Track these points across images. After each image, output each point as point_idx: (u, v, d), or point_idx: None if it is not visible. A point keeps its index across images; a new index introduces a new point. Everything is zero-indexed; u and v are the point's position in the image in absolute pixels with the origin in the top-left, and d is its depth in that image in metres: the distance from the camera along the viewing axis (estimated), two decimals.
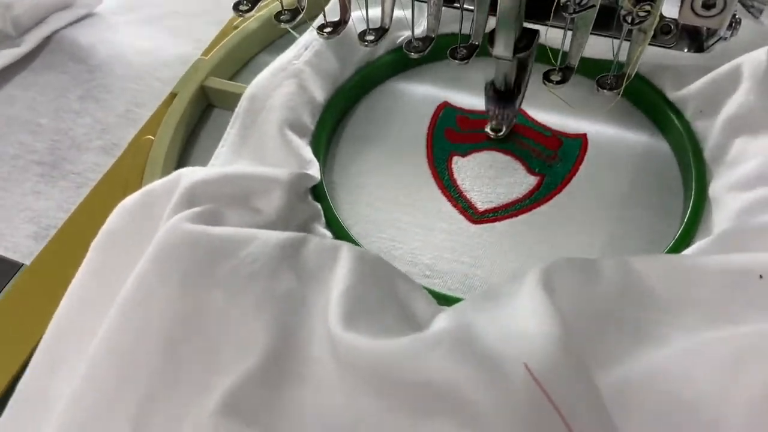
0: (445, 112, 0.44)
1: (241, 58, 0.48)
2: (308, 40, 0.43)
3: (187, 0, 0.56)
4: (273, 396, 0.26)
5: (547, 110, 0.43)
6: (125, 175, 0.40)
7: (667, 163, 0.40)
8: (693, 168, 0.38)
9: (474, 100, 0.45)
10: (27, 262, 0.38)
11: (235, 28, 0.49)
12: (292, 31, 0.41)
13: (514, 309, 0.27)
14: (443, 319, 0.27)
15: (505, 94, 0.39)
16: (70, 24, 0.52)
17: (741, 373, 0.24)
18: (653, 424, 0.25)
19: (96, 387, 0.26)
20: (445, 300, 0.32)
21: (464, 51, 0.34)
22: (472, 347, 0.24)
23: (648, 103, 0.42)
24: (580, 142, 0.42)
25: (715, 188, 0.36)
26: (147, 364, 0.26)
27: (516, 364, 0.23)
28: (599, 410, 0.23)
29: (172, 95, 0.44)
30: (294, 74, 0.41)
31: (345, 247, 0.31)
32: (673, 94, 0.41)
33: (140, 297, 0.27)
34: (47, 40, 0.51)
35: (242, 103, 0.41)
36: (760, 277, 0.27)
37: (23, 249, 0.39)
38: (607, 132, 0.42)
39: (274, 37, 0.50)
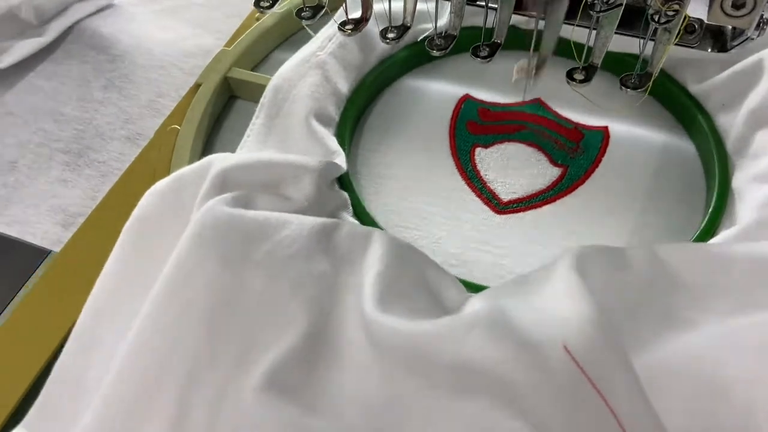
0: (467, 105, 0.44)
1: (264, 49, 0.48)
2: (332, 32, 0.44)
3: None
4: (312, 375, 0.26)
5: (569, 103, 0.43)
6: (152, 164, 0.40)
7: (689, 156, 0.41)
8: (716, 160, 0.38)
9: (495, 93, 0.45)
10: (56, 249, 0.38)
11: (257, 19, 0.49)
12: (307, 28, 0.42)
13: (547, 292, 0.27)
14: (477, 302, 0.28)
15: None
16: (92, 14, 0.52)
17: None
18: (686, 407, 0.25)
19: (140, 365, 0.26)
20: (472, 288, 0.33)
21: (487, 49, 0.34)
22: (508, 328, 0.25)
23: (670, 96, 0.42)
24: (602, 134, 0.42)
25: (738, 180, 0.37)
26: (190, 342, 0.26)
27: (554, 344, 0.23)
28: (638, 391, 0.23)
29: (197, 86, 0.44)
30: (318, 65, 0.42)
31: (376, 233, 0.31)
32: (695, 88, 0.41)
33: (182, 277, 0.27)
34: (69, 30, 0.51)
35: (267, 94, 0.41)
36: None
37: (51, 236, 0.39)
38: (628, 125, 0.42)
39: (295, 29, 0.50)
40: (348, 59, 0.43)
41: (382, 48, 0.45)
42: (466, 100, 0.45)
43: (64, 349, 0.31)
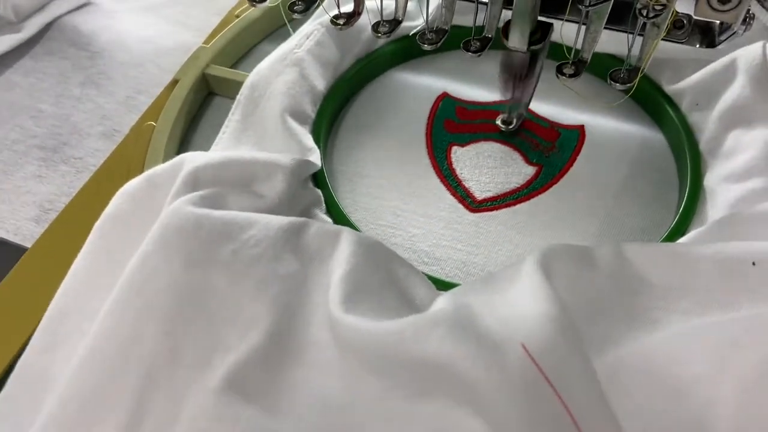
0: (445, 103, 0.45)
1: (242, 46, 0.48)
2: (309, 29, 0.44)
3: None
4: (273, 375, 0.26)
5: (545, 102, 0.43)
6: (127, 161, 0.40)
7: (663, 155, 0.41)
8: (688, 159, 0.38)
9: (473, 92, 0.45)
10: (28, 244, 0.38)
11: (237, 17, 0.49)
12: (289, 25, 0.42)
13: (512, 291, 0.27)
14: (442, 301, 0.28)
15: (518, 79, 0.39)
16: (71, 11, 0.52)
17: (734, 355, 0.25)
18: (647, 405, 0.25)
19: (99, 363, 0.26)
20: (443, 286, 0.33)
21: (478, 44, 0.34)
22: (470, 328, 0.25)
23: (645, 95, 0.43)
24: (577, 133, 0.42)
25: (709, 179, 0.37)
26: (150, 341, 0.26)
27: (514, 343, 0.23)
28: (595, 389, 0.23)
29: (174, 82, 0.44)
30: (295, 63, 0.42)
31: (345, 231, 0.31)
32: (669, 87, 0.42)
33: (144, 276, 0.27)
34: (48, 27, 0.51)
35: (243, 91, 0.41)
36: (753, 264, 0.28)
37: (25, 232, 0.39)
38: (604, 123, 0.42)
39: (275, 27, 0.50)
40: (325, 57, 0.43)
41: (359, 46, 0.45)
42: (444, 98, 0.45)
43: (29, 346, 0.30)
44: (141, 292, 0.27)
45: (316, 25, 0.44)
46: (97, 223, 0.33)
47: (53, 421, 0.25)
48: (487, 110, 0.44)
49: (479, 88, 0.45)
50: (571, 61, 0.34)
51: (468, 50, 0.34)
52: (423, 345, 0.24)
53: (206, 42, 0.47)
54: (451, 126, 0.43)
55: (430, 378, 0.24)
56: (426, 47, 0.35)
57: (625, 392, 0.25)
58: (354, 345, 0.26)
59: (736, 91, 0.38)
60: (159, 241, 0.28)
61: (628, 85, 0.34)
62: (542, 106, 0.43)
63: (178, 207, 0.29)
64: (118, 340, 0.26)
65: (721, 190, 0.35)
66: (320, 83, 0.42)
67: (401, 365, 0.25)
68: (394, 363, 0.25)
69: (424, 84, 0.46)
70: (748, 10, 0.30)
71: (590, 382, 0.23)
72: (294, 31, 0.44)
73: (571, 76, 0.34)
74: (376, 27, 0.36)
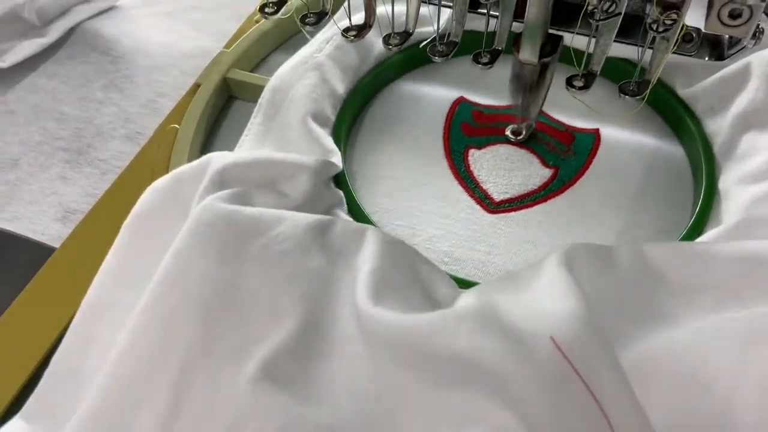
0: (461, 107, 0.45)
1: (262, 51, 0.49)
2: (329, 34, 0.45)
3: None
4: (305, 365, 0.27)
5: (560, 105, 0.44)
6: (151, 162, 0.41)
7: (677, 158, 0.41)
8: (703, 162, 0.39)
9: (489, 96, 0.46)
10: (55, 244, 0.39)
11: (256, 22, 0.50)
12: (307, 34, 0.43)
13: (536, 288, 0.28)
14: (468, 298, 0.28)
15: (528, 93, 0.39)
16: (93, 16, 0.53)
17: (754, 351, 0.26)
18: (670, 399, 0.26)
19: (136, 357, 0.27)
20: (464, 285, 0.33)
21: (488, 56, 0.35)
22: (498, 322, 0.25)
23: (659, 99, 0.43)
24: (592, 136, 0.43)
25: (724, 181, 0.37)
26: (186, 333, 0.27)
27: (542, 337, 0.24)
28: (623, 383, 0.24)
29: (196, 86, 0.45)
30: (316, 67, 0.43)
31: (370, 230, 0.32)
32: (683, 92, 0.42)
33: (178, 271, 0.28)
34: (71, 32, 0.52)
35: (265, 94, 0.42)
36: None
37: (51, 232, 0.40)
38: (619, 127, 0.43)
39: (293, 32, 0.51)
40: (345, 61, 0.44)
41: (378, 51, 0.46)
42: (461, 102, 0.46)
43: (63, 342, 0.31)
44: (176, 286, 0.27)
45: (335, 29, 0.44)
46: (127, 221, 0.33)
47: (93, 413, 0.26)
48: (503, 114, 0.44)
49: (495, 92, 0.46)
50: (581, 74, 0.34)
51: (478, 63, 0.35)
52: (452, 338, 0.25)
53: (227, 47, 0.48)
54: (467, 129, 0.44)
55: (458, 370, 0.25)
56: (437, 59, 0.36)
57: (649, 386, 0.26)
58: (383, 337, 0.26)
59: (749, 94, 0.38)
60: (192, 237, 0.28)
61: (638, 97, 0.34)
62: (557, 109, 0.44)
63: (210, 203, 0.29)
64: (155, 333, 0.27)
65: (736, 192, 0.36)
66: (340, 87, 0.43)
67: (430, 357, 0.26)
68: (423, 355, 0.26)
69: (441, 88, 0.46)
70: (758, 25, 0.31)
71: (618, 376, 0.24)
72: (311, 37, 0.45)
73: (581, 88, 0.34)
74: (386, 39, 0.36)
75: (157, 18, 0.54)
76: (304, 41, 0.45)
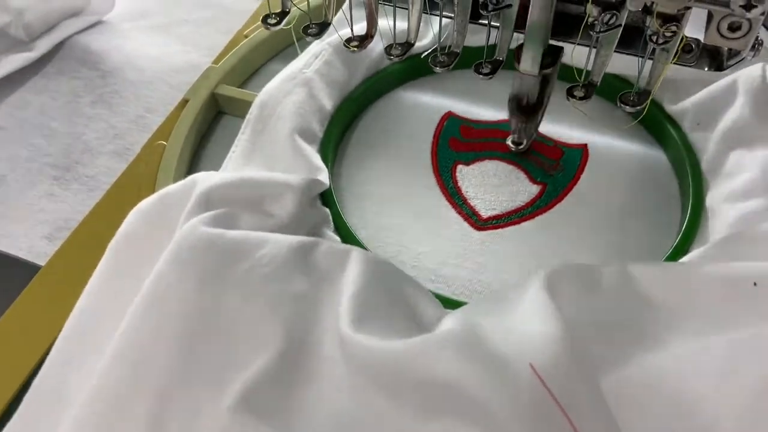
0: (450, 122, 0.45)
1: (251, 66, 0.49)
2: (317, 49, 0.45)
3: (195, 9, 0.57)
4: (286, 394, 0.27)
5: (549, 121, 0.44)
6: (138, 179, 0.41)
7: (665, 174, 0.42)
8: (690, 179, 0.39)
9: (477, 111, 0.46)
10: (42, 263, 0.39)
11: (245, 36, 0.50)
12: (297, 45, 0.43)
13: (519, 312, 0.28)
14: (450, 321, 0.28)
15: (527, 109, 0.39)
16: (82, 30, 0.53)
17: (737, 372, 0.26)
18: (654, 423, 0.26)
19: (114, 382, 0.27)
20: (450, 304, 0.33)
21: (489, 66, 0.35)
22: (478, 348, 0.25)
23: (647, 115, 0.43)
24: (580, 152, 0.43)
25: (711, 198, 0.37)
26: (165, 360, 0.27)
27: (521, 363, 0.24)
28: (602, 408, 0.24)
29: (184, 101, 0.45)
30: (304, 83, 0.43)
31: (355, 251, 0.32)
32: (671, 108, 0.42)
33: (158, 296, 0.28)
34: (59, 46, 0.52)
35: (253, 110, 0.42)
36: (755, 284, 0.28)
37: (38, 250, 0.40)
38: (607, 142, 0.43)
39: (282, 47, 0.51)
40: (333, 77, 0.44)
41: (366, 66, 0.46)
42: (449, 117, 0.46)
43: (45, 364, 0.31)
44: (155, 310, 0.27)
45: (324, 45, 0.45)
46: (112, 243, 0.33)
47: None
48: (491, 129, 0.44)
49: (483, 108, 0.46)
50: (581, 84, 0.34)
51: (479, 73, 0.35)
52: (432, 365, 0.25)
53: (215, 62, 0.48)
54: (456, 145, 0.44)
55: (438, 397, 0.25)
56: (438, 70, 0.36)
57: (631, 411, 0.26)
58: (363, 363, 0.26)
59: (736, 111, 0.38)
60: (173, 261, 0.28)
61: (638, 107, 0.34)
62: (546, 125, 0.44)
63: (192, 227, 0.29)
64: (132, 359, 0.27)
65: (723, 209, 0.36)
66: (328, 103, 0.43)
67: (410, 384, 0.26)
68: (404, 382, 0.26)
69: (430, 103, 0.46)
70: (757, 37, 0.31)
71: (598, 402, 0.24)
72: (302, 51, 0.45)
73: (581, 98, 0.34)
74: (388, 50, 0.36)
75: (146, 32, 0.54)
76: (294, 56, 0.45)
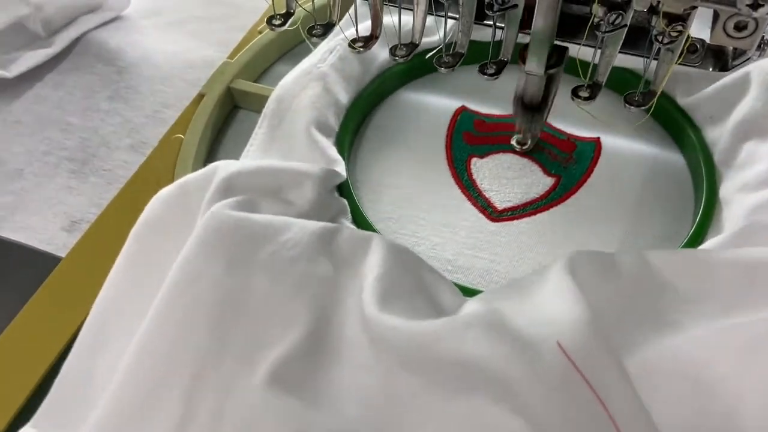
0: (463, 116, 0.46)
1: (266, 61, 0.50)
2: (332, 44, 0.45)
3: (209, 6, 0.58)
4: (314, 371, 0.27)
5: (562, 114, 0.44)
6: (156, 172, 0.41)
7: (678, 166, 0.42)
8: (704, 170, 0.39)
9: (490, 106, 0.46)
10: (61, 254, 0.39)
11: (259, 32, 0.50)
12: (311, 45, 0.43)
13: (542, 295, 0.28)
14: (473, 304, 0.29)
15: (532, 108, 0.40)
16: (98, 26, 0.54)
17: (757, 356, 0.26)
18: (674, 405, 0.26)
19: (148, 363, 0.27)
20: (467, 293, 0.33)
21: (494, 67, 0.35)
22: (505, 327, 0.26)
23: (659, 108, 0.44)
24: (593, 145, 0.43)
25: (725, 190, 0.38)
26: (196, 340, 0.27)
27: (548, 342, 0.24)
28: (629, 387, 0.24)
29: (200, 96, 0.45)
30: (319, 77, 0.43)
31: (376, 237, 0.32)
32: (683, 101, 0.43)
33: (188, 278, 0.28)
34: (76, 42, 0.53)
35: (270, 104, 0.43)
36: None
37: (57, 242, 0.40)
38: (619, 136, 0.44)
39: (296, 43, 0.51)
40: (348, 71, 0.44)
41: (380, 61, 0.46)
42: (463, 111, 0.46)
43: (73, 350, 0.31)
44: (186, 293, 0.28)
45: (338, 40, 0.45)
46: (134, 230, 0.34)
47: (105, 421, 0.26)
48: (505, 123, 0.45)
49: (496, 102, 0.46)
50: (586, 84, 0.35)
51: (484, 74, 0.35)
52: (459, 344, 0.25)
53: (231, 57, 0.48)
54: (470, 138, 0.44)
55: (466, 376, 0.25)
56: (443, 70, 0.36)
57: (654, 391, 0.26)
58: (390, 343, 0.27)
59: (749, 103, 0.39)
60: (201, 244, 0.29)
61: (643, 108, 0.35)
62: (558, 119, 0.45)
63: (218, 211, 0.30)
64: (165, 340, 0.27)
65: (737, 199, 0.36)
66: (343, 97, 0.44)
67: (437, 363, 0.26)
68: (431, 362, 0.26)
69: (443, 98, 0.47)
70: (763, 37, 0.31)
71: (624, 380, 0.24)
72: (314, 47, 0.45)
73: (586, 99, 0.35)
74: (393, 50, 0.37)
75: (162, 28, 0.55)
76: (308, 51, 0.46)
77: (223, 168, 0.34)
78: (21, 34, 0.51)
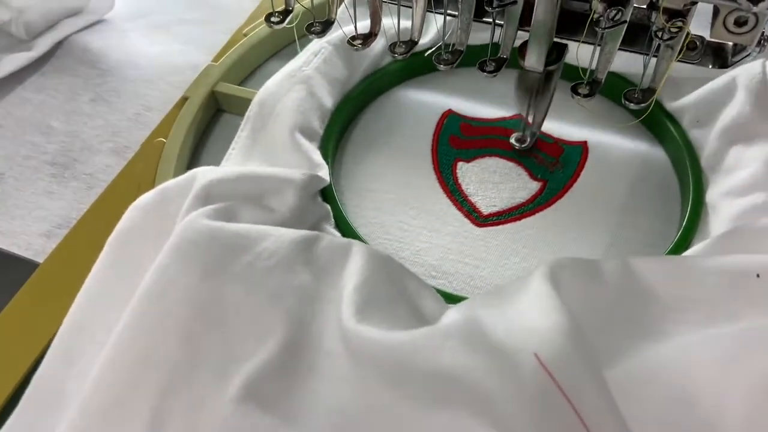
0: (450, 120, 0.45)
1: (250, 64, 0.49)
2: (317, 47, 0.45)
3: (194, 8, 0.57)
4: (289, 385, 0.26)
5: (549, 118, 0.44)
6: (137, 176, 0.41)
7: (665, 171, 0.42)
8: (690, 175, 0.39)
9: (477, 109, 0.46)
10: (39, 259, 0.38)
11: (244, 35, 0.50)
12: (298, 43, 0.43)
13: (522, 303, 0.28)
14: (453, 314, 0.28)
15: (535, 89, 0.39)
16: (81, 30, 0.53)
17: (740, 365, 0.26)
18: (656, 415, 0.26)
19: (116, 375, 0.26)
20: (451, 299, 0.33)
21: (493, 64, 0.35)
22: (482, 339, 0.25)
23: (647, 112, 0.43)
24: (580, 149, 0.43)
25: (711, 195, 0.37)
26: (167, 353, 0.26)
27: (526, 354, 0.24)
28: (607, 398, 0.24)
29: (183, 99, 0.45)
30: (303, 80, 0.42)
31: (356, 245, 0.32)
32: (670, 105, 0.42)
33: (160, 288, 0.27)
34: (58, 45, 0.52)
35: (253, 108, 0.42)
36: (758, 276, 0.28)
37: (36, 247, 0.40)
38: (606, 139, 0.43)
39: (282, 45, 0.51)
40: (332, 74, 0.44)
41: (366, 63, 0.46)
42: (449, 115, 0.46)
43: (44, 360, 0.31)
44: (158, 303, 0.27)
45: (323, 43, 0.45)
46: (111, 238, 0.33)
47: None
48: (491, 127, 0.44)
49: (483, 105, 0.46)
50: (585, 81, 0.34)
51: (483, 71, 0.35)
52: (436, 356, 0.25)
53: (215, 60, 0.48)
54: (456, 142, 0.44)
55: (442, 388, 0.25)
56: (442, 68, 0.35)
57: (635, 402, 0.25)
58: (367, 355, 0.26)
59: (736, 107, 0.39)
60: (175, 253, 0.28)
61: (643, 105, 0.34)
62: (546, 122, 0.44)
63: (193, 220, 0.29)
64: (136, 351, 0.27)
65: (723, 205, 0.36)
66: (328, 100, 0.43)
67: (414, 376, 0.25)
68: (407, 373, 0.25)
69: (429, 101, 0.46)
70: (763, 33, 0.31)
71: (602, 392, 0.24)
72: (302, 49, 0.45)
73: (585, 96, 0.34)
74: (392, 48, 0.36)
75: (145, 31, 0.54)
76: (293, 54, 0.45)
77: (202, 175, 0.33)
78: (2, 37, 0.50)
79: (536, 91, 0.38)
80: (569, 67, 0.35)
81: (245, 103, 0.43)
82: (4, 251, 0.40)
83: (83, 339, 0.30)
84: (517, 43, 0.35)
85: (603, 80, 0.34)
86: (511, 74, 0.38)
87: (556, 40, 0.35)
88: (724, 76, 0.40)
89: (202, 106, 0.45)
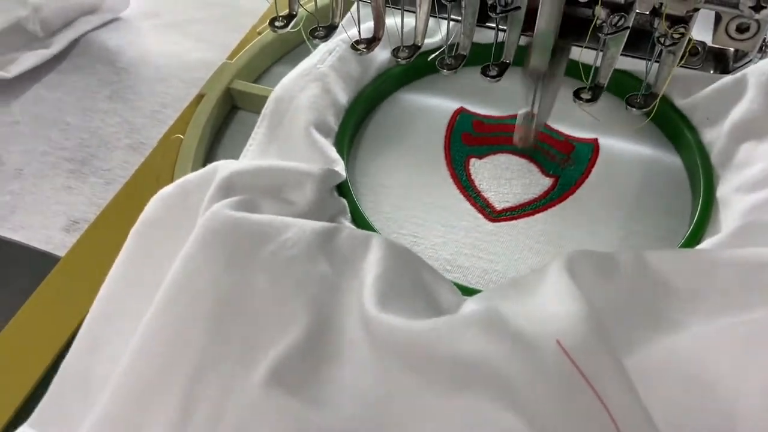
0: (462, 117, 0.46)
1: (265, 62, 0.50)
2: (332, 45, 0.45)
3: (208, 7, 0.58)
4: (314, 369, 0.27)
5: (559, 116, 0.45)
6: (156, 172, 0.42)
7: (675, 167, 0.42)
8: (701, 171, 0.39)
9: (488, 106, 0.46)
10: (60, 253, 0.39)
11: (259, 33, 0.51)
12: (311, 45, 0.43)
13: (540, 293, 0.28)
14: (472, 304, 0.29)
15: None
16: (97, 27, 0.54)
17: (756, 354, 0.26)
18: (673, 403, 0.26)
19: (147, 362, 0.27)
20: (466, 292, 0.34)
21: (496, 69, 0.35)
22: (504, 326, 0.26)
23: (657, 111, 0.44)
24: (591, 146, 0.43)
25: (722, 190, 0.38)
26: (196, 339, 0.27)
27: (548, 340, 0.24)
28: (627, 384, 0.24)
29: (200, 96, 0.46)
30: (319, 77, 0.43)
31: (375, 237, 0.32)
32: (681, 102, 0.43)
33: (188, 278, 0.28)
34: (75, 43, 0.53)
35: (269, 105, 0.43)
36: None
37: (56, 241, 0.40)
38: (617, 137, 0.44)
39: (296, 43, 0.51)
40: (347, 72, 0.44)
41: (380, 61, 0.46)
42: (461, 112, 0.46)
43: (71, 349, 0.31)
44: (185, 292, 0.28)
45: (337, 41, 0.45)
46: (134, 228, 0.34)
47: (104, 420, 0.26)
48: (503, 124, 0.45)
49: (494, 103, 0.46)
50: (588, 86, 0.35)
51: (486, 75, 0.35)
52: (458, 343, 0.25)
53: (230, 58, 0.48)
54: (468, 139, 0.44)
55: (464, 374, 0.25)
56: (445, 72, 0.36)
57: (653, 389, 0.26)
58: (389, 342, 0.27)
59: (746, 104, 0.39)
60: (200, 243, 0.29)
61: (645, 110, 0.35)
62: (556, 120, 0.45)
63: (218, 211, 0.30)
64: (165, 338, 0.27)
65: (734, 200, 0.37)
66: (343, 97, 0.44)
67: (436, 362, 0.26)
68: (429, 360, 0.26)
69: (442, 99, 0.47)
70: (765, 38, 0.31)
71: (623, 378, 0.24)
72: (314, 48, 0.45)
73: (588, 101, 0.35)
74: (396, 52, 0.37)
75: (161, 30, 0.55)
76: (307, 52, 0.46)
77: (223, 168, 0.34)
78: (20, 34, 0.51)
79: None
80: (575, 64, 0.36)
81: (260, 100, 0.44)
82: (24, 245, 0.40)
83: (109, 327, 0.31)
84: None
85: (605, 85, 0.35)
86: (520, 74, 0.38)
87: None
88: (734, 74, 0.40)
89: (218, 103, 0.45)
